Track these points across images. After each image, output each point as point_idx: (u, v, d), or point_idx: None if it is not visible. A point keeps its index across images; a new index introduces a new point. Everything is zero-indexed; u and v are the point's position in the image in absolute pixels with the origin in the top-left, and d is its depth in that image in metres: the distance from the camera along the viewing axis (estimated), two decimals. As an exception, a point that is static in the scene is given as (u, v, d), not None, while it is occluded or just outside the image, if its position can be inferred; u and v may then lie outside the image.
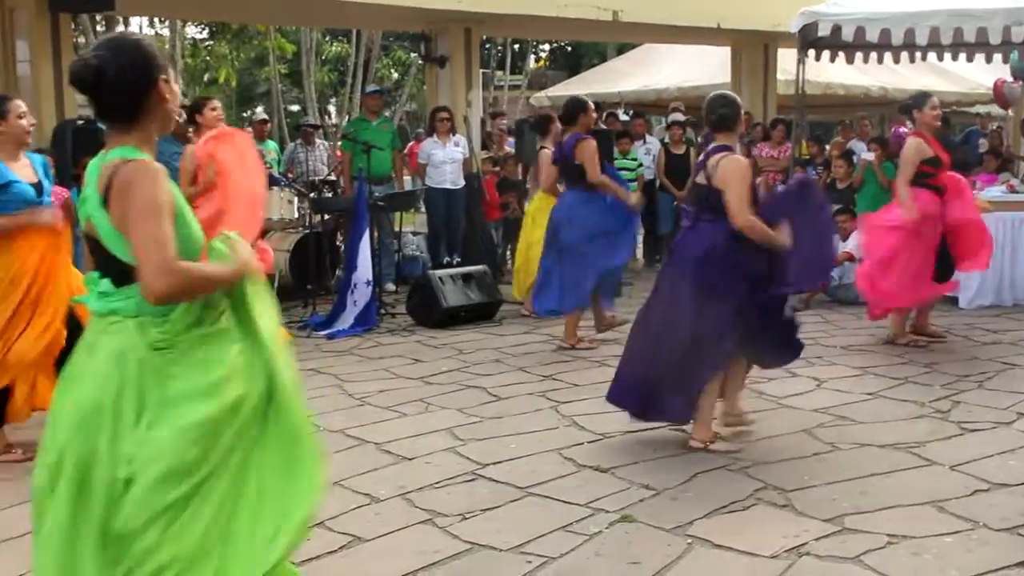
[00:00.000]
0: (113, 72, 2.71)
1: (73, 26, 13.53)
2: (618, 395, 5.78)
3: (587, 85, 19.46)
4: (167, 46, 29.87)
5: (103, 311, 2.77)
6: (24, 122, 5.55)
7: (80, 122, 9.95)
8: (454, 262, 11.27)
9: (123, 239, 2.70)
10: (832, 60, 12.18)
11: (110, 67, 2.71)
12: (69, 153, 9.03)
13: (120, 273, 2.75)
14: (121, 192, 2.68)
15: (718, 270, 5.37)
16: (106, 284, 2.77)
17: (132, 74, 2.74)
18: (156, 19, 28.53)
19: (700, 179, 5.53)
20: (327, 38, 31.84)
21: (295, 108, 30.78)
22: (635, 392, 5.65)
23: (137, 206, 2.65)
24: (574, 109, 8.16)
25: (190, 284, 2.70)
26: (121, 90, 2.74)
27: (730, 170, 5.37)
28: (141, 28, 30.97)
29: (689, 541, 4.28)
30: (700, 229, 5.49)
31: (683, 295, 5.47)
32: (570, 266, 7.92)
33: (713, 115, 5.58)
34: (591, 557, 4.16)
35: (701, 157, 5.65)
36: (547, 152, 8.81)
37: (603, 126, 12.21)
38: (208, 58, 32.59)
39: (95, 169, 2.76)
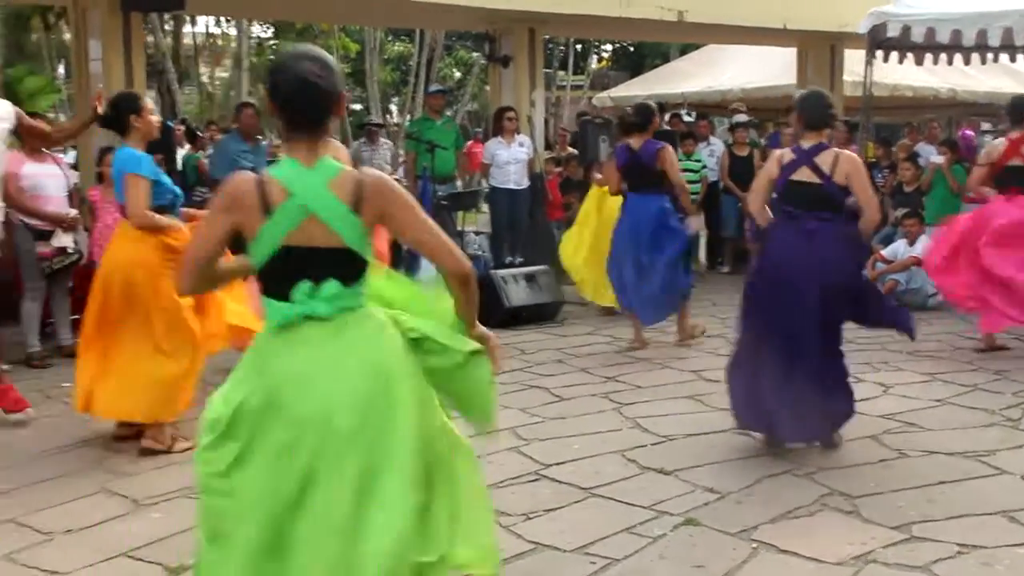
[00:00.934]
0: (326, 79, 2.88)
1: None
2: (755, 419, 5.56)
3: (650, 86, 19.37)
4: (233, 44, 30.28)
5: (331, 312, 2.84)
6: (154, 119, 5.75)
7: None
8: (516, 262, 11.28)
9: (369, 241, 2.89)
10: (900, 61, 12.01)
11: (326, 74, 2.87)
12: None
13: (354, 273, 2.89)
14: (382, 196, 2.87)
15: (859, 267, 5.54)
16: (333, 287, 2.83)
17: (336, 84, 2.91)
18: (222, 18, 28.87)
19: (806, 177, 5.42)
20: (390, 38, 32.05)
21: (357, 107, 31.02)
22: (776, 413, 5.42)
23: (408, 205, 2.93)
24: (649, 115, 8.23)
25: None
26: (328, 97, 2.89)
27: (858, 167, 5.47)
28: (207, 27, 31.41)
29: (754, 546, 4.26)
30: (821, 229, 5.40)
31: (836, 299, 5.38)
32: (652, 276, 7.94)
33: (819, 113, 5.50)
34: (655, 560, 4.16)
35: (794, 155, 5.50)
36: None
37: (667, 127, 12.16)
38: (272, 57, 32.97)
39: (315, 183, 2.83)
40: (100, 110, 5.97)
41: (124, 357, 5.63)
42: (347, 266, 2.87)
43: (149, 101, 5.84)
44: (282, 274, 2.85)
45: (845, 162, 5.41)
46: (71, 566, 4.15)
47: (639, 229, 8.00)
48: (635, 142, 8.08)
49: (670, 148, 8.18)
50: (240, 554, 2.81)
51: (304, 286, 2.83)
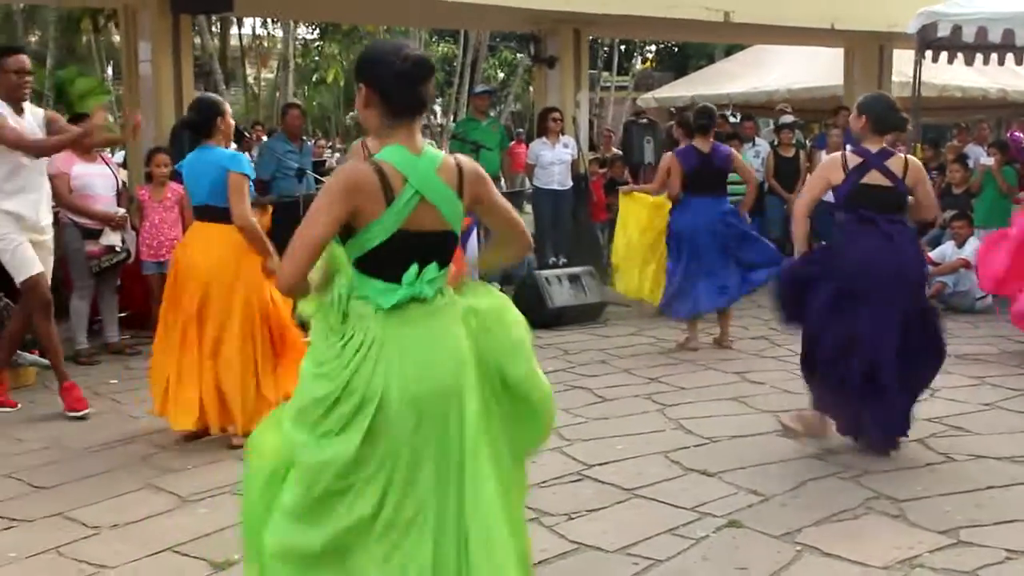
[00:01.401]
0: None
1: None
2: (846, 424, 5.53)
3: (694, 87, 19.31)
4: (279, 46, 30.53)
5: (432, 293, 2.96)
6: (232, 121, 5.92)
7: (197, 121, 10.19)
8: (560, 263, 11.28)
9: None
10: (950, 61, 11.85)
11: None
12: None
13: (448, 255, 3.04)
14: (478, 180, 3.07)
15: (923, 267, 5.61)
16: (434, 269, 2.95)
17: None
18: (269, 20, 29.09)
19: (877, 180, 5.39)
20: (434, 39, 32.14)
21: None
22: (873, 418, 5.39)
23: (494, 187, 3.18)
24: (715, 116, 8.41)
25: None
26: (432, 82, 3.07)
27: (924, 173, 5.58)
28: (254, 29, 31.67)
29: (798, 548, 4.22)
30: (898, 231, 5.42)
31: (914, 304, 5.43)
32: (714, 270, 8.05)
33: (889, 117, 5.48)
34: (698, 561, 4.13)
35: (861, 158, 5.43)
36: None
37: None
38: (317, 58, 33.18)
39: (426, 169, 2.95)
40: (135, 137, 6.09)
41: (222, 367, 5.65)
42: (446, 248, 3.02)
43: (227, 105, 6.00)
44: (391, 258, 2.92)
45: (914, 167, 5.50)
46: (117, 560, 4.19)
47: (715, 232, 8.03)
48: (703, 145, 8.07)
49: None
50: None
51: (414, 268, 2.92)
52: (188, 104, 10.44)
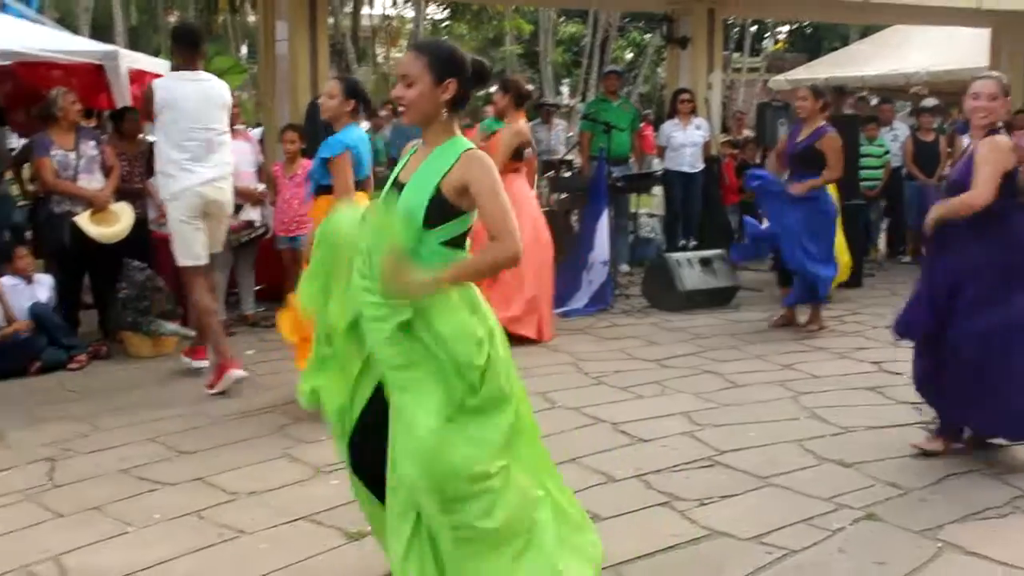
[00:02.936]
0: None
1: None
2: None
3: (827, 69, 18.83)
4: (409, 26, 30.84)
5: None
6: None
7: (332, 99, 10.35)
8: (690, 245, 11.15)
9: None
10: (1107, 43, 11.32)
11: None
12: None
13: None
14: None
15: None
16: None
17: None
18: (400, 0, 29.37)
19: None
20: (562, 19, 32.02)
21: (530, 87, 31.16)
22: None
23: None
24: None
25: None
26: None
27: None
28: (384, 9, 32.01)
29: (939, 545, 4.09)
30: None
31: None
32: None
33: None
34: (834, 553, 4.03)
35: (1015, 142, 5.27)
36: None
37: (850, 111, 11.81)
38: (446, 38, 33.44)
39: None
40: None
41: None
42: None
43: None
44: (467, 232, 3.30)
45: None
46: (255, 527, 4.29)
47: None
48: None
49: None
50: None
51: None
52: (322, 83, 10.68)
